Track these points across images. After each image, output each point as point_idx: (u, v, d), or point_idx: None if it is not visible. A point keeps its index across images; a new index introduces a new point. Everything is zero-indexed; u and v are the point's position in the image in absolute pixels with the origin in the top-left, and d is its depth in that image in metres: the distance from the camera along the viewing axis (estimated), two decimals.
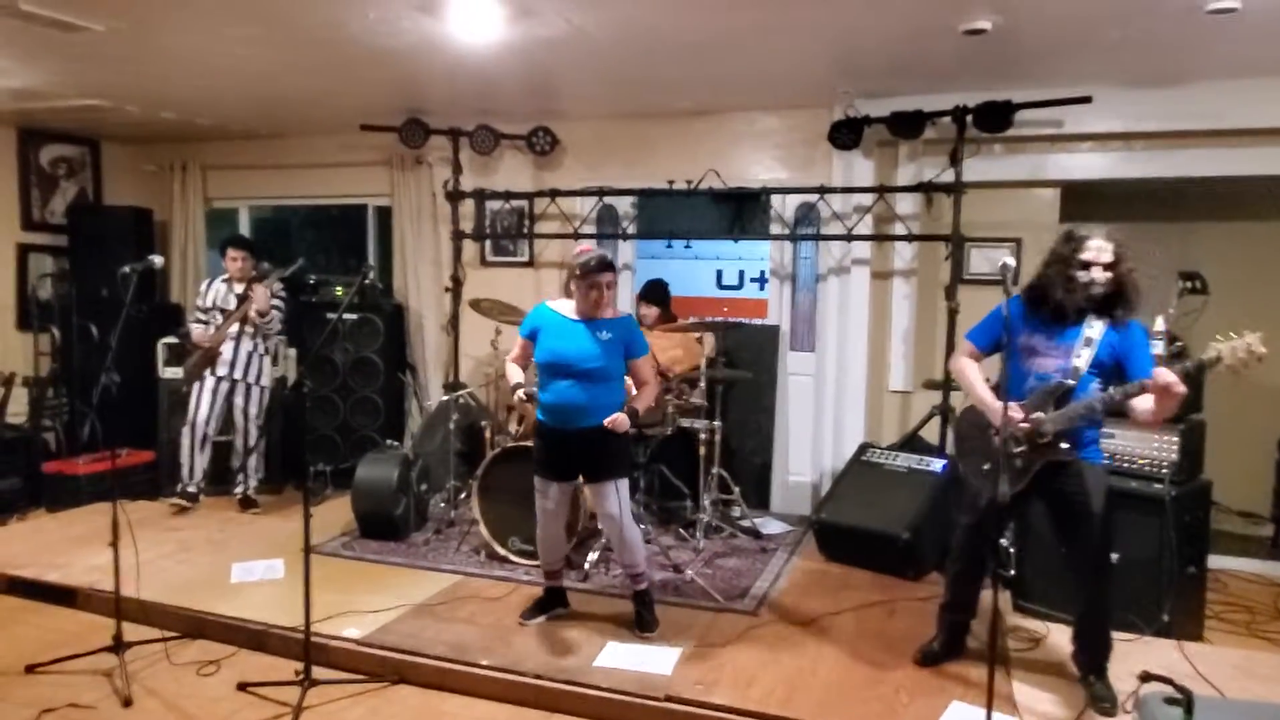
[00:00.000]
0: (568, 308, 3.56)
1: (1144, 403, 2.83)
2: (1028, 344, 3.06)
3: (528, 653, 3.45)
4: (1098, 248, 2.92)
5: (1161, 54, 4.05)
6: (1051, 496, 3.10)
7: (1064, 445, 2.97)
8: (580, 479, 3.68)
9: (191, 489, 5.38)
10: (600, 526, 3.90)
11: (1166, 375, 2.69)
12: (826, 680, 3.28)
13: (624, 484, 3.60)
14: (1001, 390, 2.86)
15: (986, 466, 3.14)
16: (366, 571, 4.38)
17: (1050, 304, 2.98)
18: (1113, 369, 2.96)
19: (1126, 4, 3.39)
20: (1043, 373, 3.00)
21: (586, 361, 3.45)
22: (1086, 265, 2.92)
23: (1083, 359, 2.95)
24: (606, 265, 3.47)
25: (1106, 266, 2.92)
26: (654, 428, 4.67)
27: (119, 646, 3.42)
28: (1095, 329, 2.97)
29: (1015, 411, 3.00)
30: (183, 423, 5.37)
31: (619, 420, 3.41)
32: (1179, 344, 4.02)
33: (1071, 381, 2.95)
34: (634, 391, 3.68)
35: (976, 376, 3.18)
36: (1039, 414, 2.98)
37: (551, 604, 3.83)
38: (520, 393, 3.57)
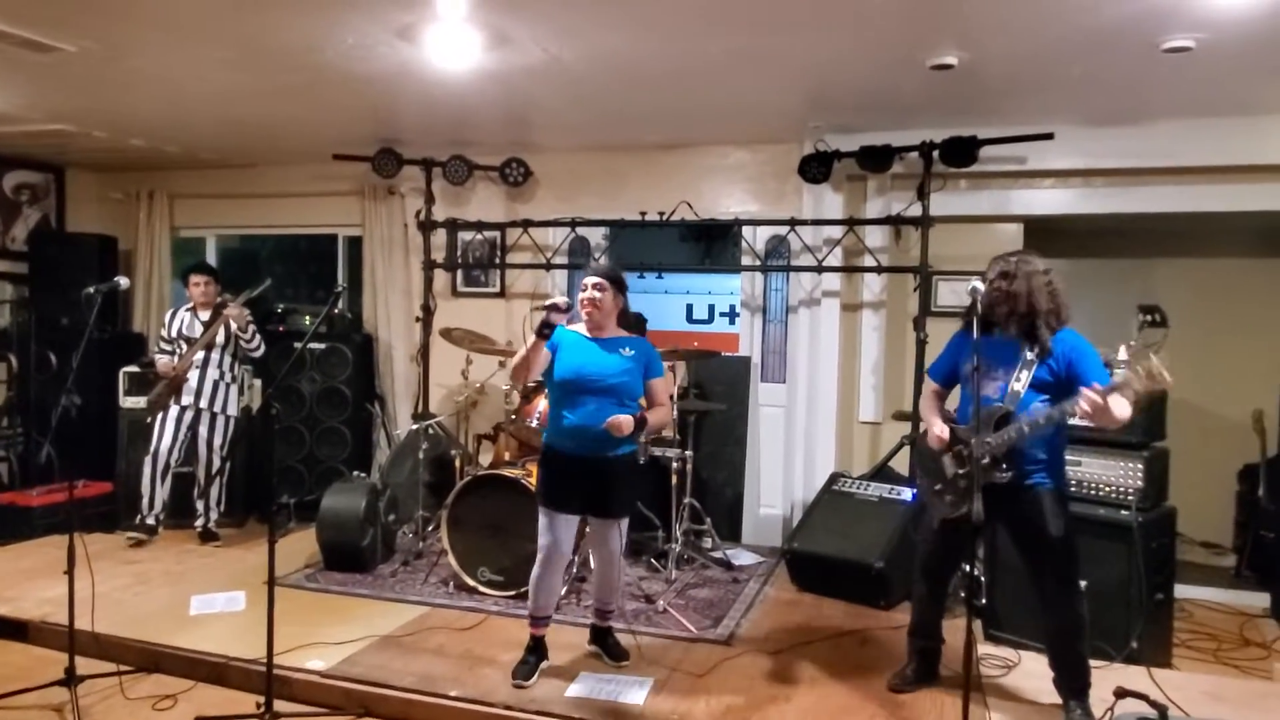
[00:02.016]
0: (582, 328, 3.48)
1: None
2: (968, 371, 3.13)
3: (498, 683, 3.38)
4: (973, 294, 2.96)
5: (1120, 92, 4.19)
6: (1011, 523, 3.16)
7: (1003, 467, 3.01)
8: (584, 513, 3.51)
9: (150, 521, 5.23)
10: (595, 563, 3.76)
11: (1086, 401, 2.78)
12: (801, 709, 3.25)
13: (627, 521, 3.53)
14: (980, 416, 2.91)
15: (937, 487, 3.23)
16: (331, 603, 4.28)
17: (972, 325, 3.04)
18: (1061, 385, 3.01)
19: (1086, 41, 3.51)
20: (986, 396, 3.05)
21: (611, 377, 3.34)
22: (990, 283, 3.05)
23: (1022, 382, 3.04)
24: (598, 273, 3.44)
25: (998, 277, 3.04)
26: None
27: (71, 680, 3.28)
28: (1034, 352, 3.05)
29: (943, 431, 3.13)
30: (144, 453, 5.24)
31: (621, 420, 3.24)
32: (1152, 392, 4.10)
33: (1010, 406, 3.02)
34: None
35: (930, 408, 3.36)
36: (974, 439, 3.03)
37: (542, 657, 3.54)
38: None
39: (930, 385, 3.43)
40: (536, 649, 3.53)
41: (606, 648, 3.65)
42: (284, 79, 4.34)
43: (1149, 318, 4.69)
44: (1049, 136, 4.58)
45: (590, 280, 3.43)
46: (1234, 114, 4.42)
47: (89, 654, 3.56)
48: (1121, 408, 2.84)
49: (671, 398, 4.77)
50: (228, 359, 5.33)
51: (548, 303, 3.21)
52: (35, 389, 5.96)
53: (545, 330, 3.22)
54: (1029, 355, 3.05)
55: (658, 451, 4.78)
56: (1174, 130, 4.57)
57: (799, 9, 3.31)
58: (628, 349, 3.43)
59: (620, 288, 3.47)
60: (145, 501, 5.21)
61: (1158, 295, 4.89)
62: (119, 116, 5.25)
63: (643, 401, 3.53)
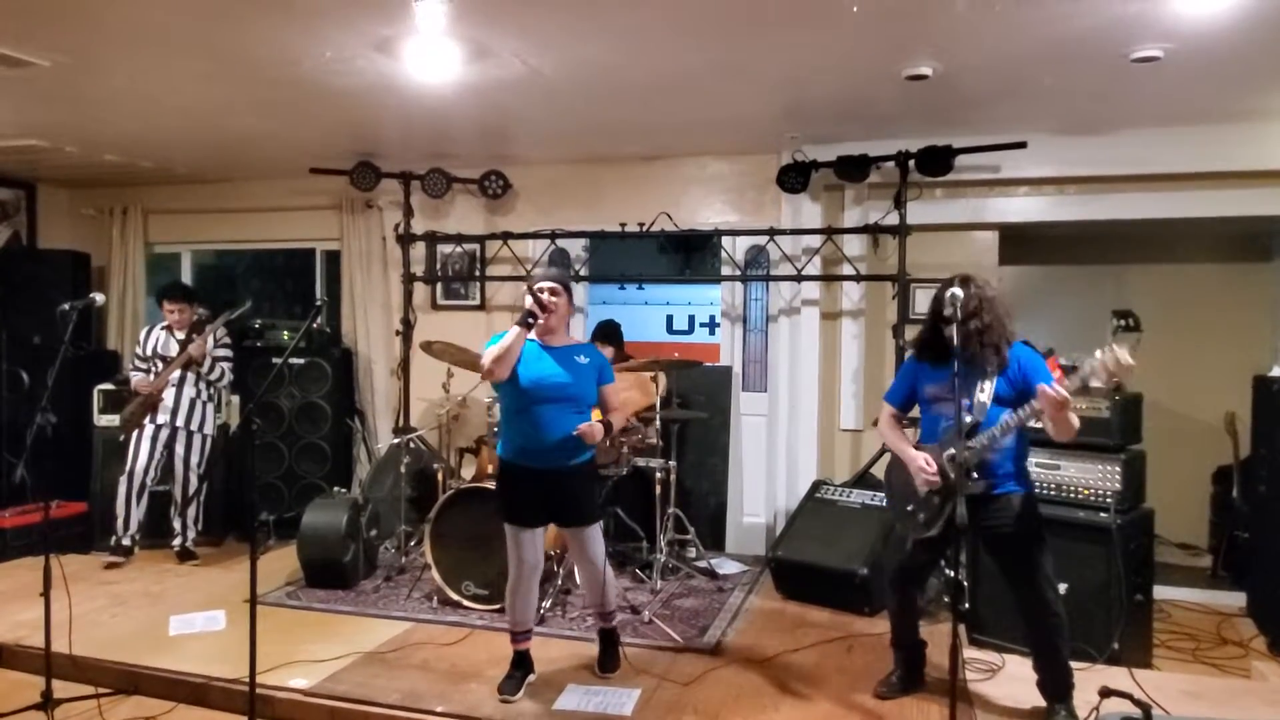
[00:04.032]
0: (533, 335, 3.43)
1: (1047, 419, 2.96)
2: (934, 393, 3.21)
3: (484, 698, 3.35)
4: (952, 301, 3.00)
5: (1091, 101, 4.26)
6: (982, 532, 3.20)
7: (974, 476, 3.06)
8: (548, 524, 3.50)
9: (125, 542, 5.16)
10: (578, 572, 3.74)
11: (1048, 391, 2.83)
12: (788, 717, 3.25)
13: (599, 526, 3.53)
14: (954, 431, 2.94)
15: (910, 508, 3.26)
16: (313, 621, 4.23)
17: (934, 355, 3.17)
18: (1018, 397, 3.06)
19: (1057, 51, 3.57)
20: (951, 415, 3.07)
21: (571, 385, 3.33)
22: (949, 321, 3.03)
23: (986, 394, 3.09)
24: (551, 278, 3.38)
25: (964, 319, 3.03)
26: (609, 468, 4.64)
27: (48, 704, 3.22)
28: (992, 365, 3.10)
29: (929, 464, 3.14)
30: (119, 472, 5.17)
31: (593, 428, 3.26)
32: (1114, 379, 4.16)
33: (978, 417, 3.07)
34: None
35: (896, 434, 3.38)
36: (950, 451, 3.06)
37: (528, 670, 3.52)
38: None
39: (887, 409, 3.44)
40: (521, 663, 3.50)
41: (602, 655, 3.64)
42: (261, 93, 4.33)
43: (1122, 322, 4.75)
44: (1022, 145, 4.64)
45: (546, 285, 3.34)
46: (1202, 122, 4.51)
47: (66, 677, 3.50)
48: (1072, 416, 2.93)
49: (652, 408, 4.80)
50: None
51: (536, 288, 3.27)
52: (6, 408, 5.86)
53: (530, 319, 3.24)
54: (989, 369, 3.10)
55: (641, 462, 4.79)
56: (1144, 138, 4.66)
57: (776, 22, 3.35)
58: (582, 356, 3.44)
59: (570, 294, 3.48)
60: (120, 522, 5.14)
61: (1131, 300, 4.94)
62: (92, 131, 5.20)
63: (597, 412, 3.54)
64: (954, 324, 2.96)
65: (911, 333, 4.88)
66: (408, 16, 3.31)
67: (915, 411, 3.43)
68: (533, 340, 3.42)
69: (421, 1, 3.16)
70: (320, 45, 3.64)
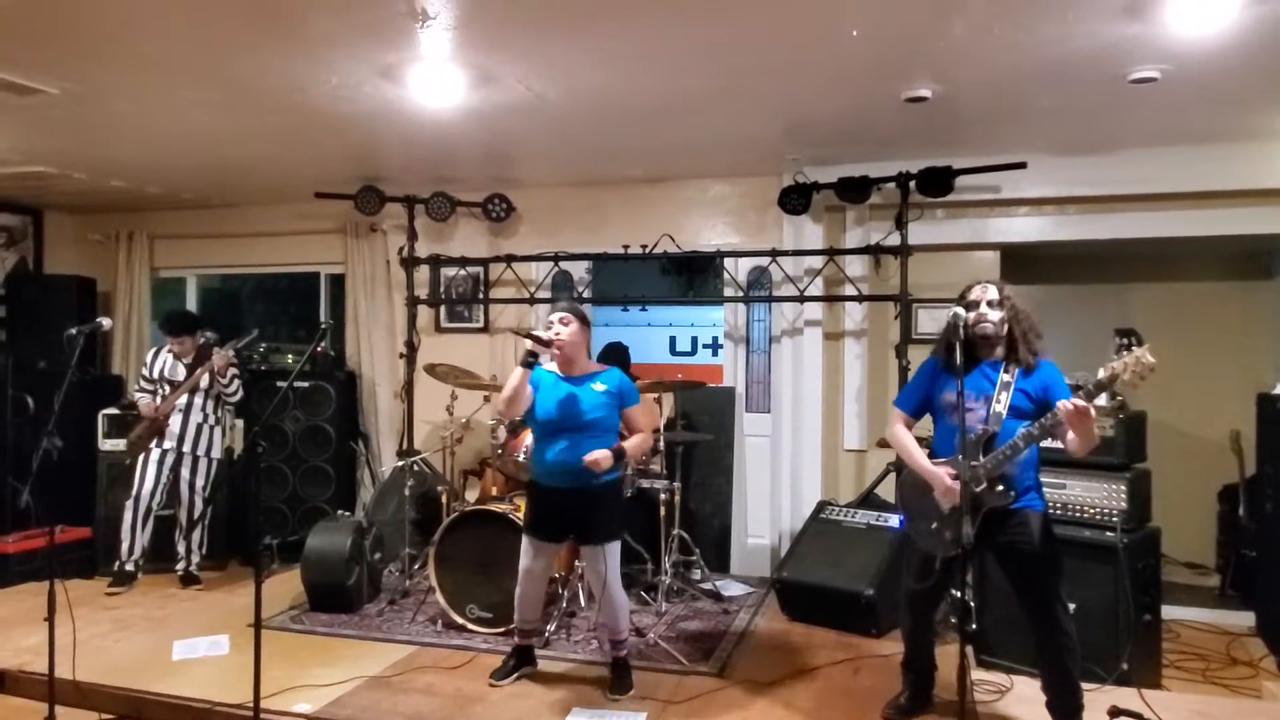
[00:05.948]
0: (555, 367, 3.60)
1: (1068, 432, 2.93)
2: (949, 401, 3.15)
3: None
4: (981, 287, 3.11)
5: (1090, 122, 4.29)
6: (998, 548, 3.16)
7: (1000, 489, 3.04)
8: (567, 541, 3.70)
9: (129, 567, 5.15)
10: (588, 588, 3.85)
11: (1067, 403, 2.81)
12: None
13: (616, 547, 3.61)
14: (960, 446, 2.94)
15: (934, 525, 3.20)
16: (317, 645, 4.22)
17: (955, 351, 2.98)
18: (1036, 411, 3.03)
19: (1055, 73, 3.60)
20: (968, 425, 3.04)
21: (586, 413, 3.48)
22: (975, 304, 3.09)
23: (1002, 403, 3.06)
24: (562, 308, 3.56)
25: (992, 304, 3.09)
26: None
27: None
28: (1010, 374, 3.09)
29: (951, 476, 3.08)
30: (124, 497, 5.17)
31: (599, 457, 3.37)
32: (1119, 398, 4.16)
33: (994, 428, 3.04)
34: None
35: (913, 445, 3.29)
36: (972, 463, 3.03)
37: (522, 662, 3.79)
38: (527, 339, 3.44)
39: (898, 415, 3.36)
40: (517, 654, 3.77)
41: (613, 680, 3.65)
42: (267, 120, 4.37)
43: (1125, 341, 4.75)
44: (1022, 166, 4.67)
45: (555, 315, 3.55)
46: (1202, 141, 4.54)
47: (69, 703, 3.49)
48: (1093, 426, 2.89)
49: (657, 430, 4.80)
50: (210, 403, 5.29)
51: (534, 333, 3.42)
52: (12, 433, 5.87)
53: (530, 359, 3.39)
54: (1005, 376, 3.08)
55: (645, 484, 4.78)
56: (1143, 158, 4.69)
57: (776, 46, 3.38)
58: (600, 384, 3.54)
59: (585, 323, 3.58)
60: (125, 546, 5.13)
61: (1133, 319, 4.97)
62: (100, 158, 5.25)
63: (623, 429, 3.62)
64: (1000, 307, 2.99)
65: (915, 352, 4.92)
66: (413, 43, 3.35)
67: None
68: (551, 372, 3.58)
69: (426, 28, 3.20)
70: (326, 72, 3.68)
